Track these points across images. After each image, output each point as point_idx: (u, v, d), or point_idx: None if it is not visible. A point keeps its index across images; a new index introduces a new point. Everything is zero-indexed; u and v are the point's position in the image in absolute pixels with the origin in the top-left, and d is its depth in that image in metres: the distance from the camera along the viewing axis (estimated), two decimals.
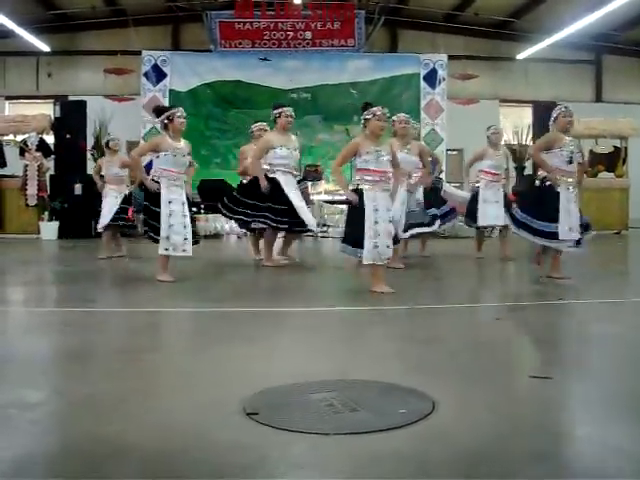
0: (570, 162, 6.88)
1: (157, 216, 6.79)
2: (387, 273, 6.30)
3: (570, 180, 6.91)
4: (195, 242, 7.02)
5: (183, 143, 7.02)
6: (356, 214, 6.11)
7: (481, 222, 9.21)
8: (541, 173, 7.07)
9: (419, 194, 8.55)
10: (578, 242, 6.91)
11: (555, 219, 6.80)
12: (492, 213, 9.06)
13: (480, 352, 3.99)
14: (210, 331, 4.80)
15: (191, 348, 4.23)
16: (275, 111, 8.09)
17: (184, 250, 6.84)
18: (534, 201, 7.12)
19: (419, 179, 8.43)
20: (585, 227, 7.00)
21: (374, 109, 6.15)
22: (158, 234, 6.78)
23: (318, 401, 2.94)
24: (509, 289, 7.31)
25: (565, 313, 5.40)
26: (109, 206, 9.54)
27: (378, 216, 6.02)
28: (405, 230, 8.04)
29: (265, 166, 7.93)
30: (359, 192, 6.06)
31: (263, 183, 7.83)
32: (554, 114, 7.07)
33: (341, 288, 6.12)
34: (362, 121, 6.22)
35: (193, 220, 7.11)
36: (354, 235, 6.11)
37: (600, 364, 3.83)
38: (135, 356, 3.83)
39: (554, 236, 6.81)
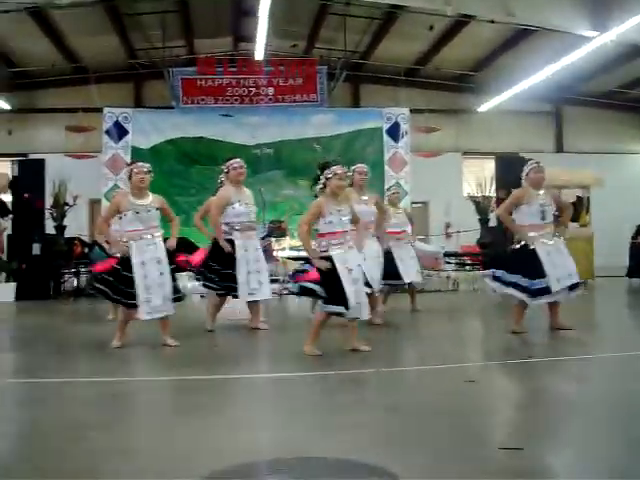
0: (543, 217, 6.84)
1: (130, 281, 6.44)
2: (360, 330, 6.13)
3: (547, 232, 6.87)
4: (177, 299, 6.74)
5: (151, 198, 6.69)
6: (331, 277, 5.81)
7: (406, 279, 9.20)
8: (517, 235, 7.03)
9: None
10: (575, 286, 6.89)
11: (542, 275, 6.73)
12: (412, 270, 9.25)
13: (448, 420, 3.79)
14: (163, 402, 4.58)
15: (142, 423, 3.99)
16: (224, 166, 7.77)
17: (166, 310, 6.56)
18: (518, 262, 6.96)
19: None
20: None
21: (334, 168, 5.92)
22: (133, 299, 6.44)
23: None
24: (478, 347, 7.15)
25: (535, 372, 5.25)
26: None
27: (353, 277, 5.85)
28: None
29: (223, 227, 7.57)
30: (330, 259, 5.84)
31: (225, 245, 7.48)
32: (526, 170, 7.04)
33: (302, 351, 5.90)
34: (321, 180, 5.96)
35: (174, 276, 6.78)
36: (336, 294, 5.85)
37: (573, 430, 3.66)
38: (82, 433, 3.57)
39: (547, 291, 6.75)
